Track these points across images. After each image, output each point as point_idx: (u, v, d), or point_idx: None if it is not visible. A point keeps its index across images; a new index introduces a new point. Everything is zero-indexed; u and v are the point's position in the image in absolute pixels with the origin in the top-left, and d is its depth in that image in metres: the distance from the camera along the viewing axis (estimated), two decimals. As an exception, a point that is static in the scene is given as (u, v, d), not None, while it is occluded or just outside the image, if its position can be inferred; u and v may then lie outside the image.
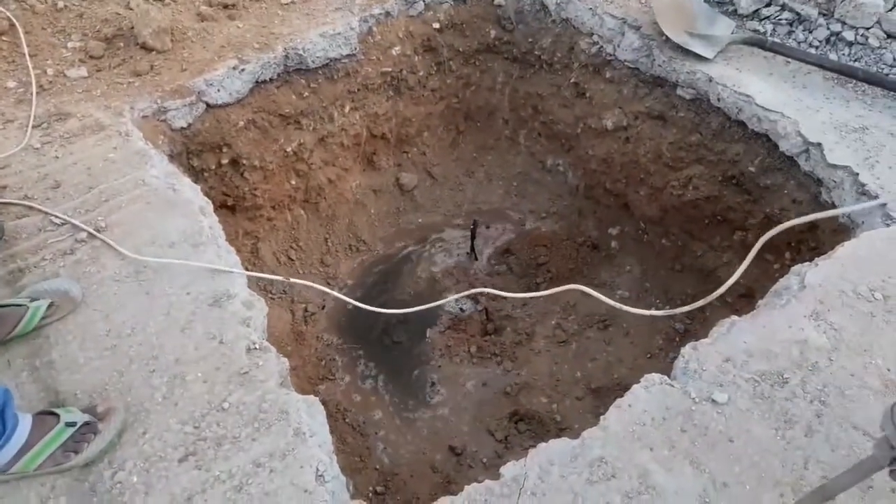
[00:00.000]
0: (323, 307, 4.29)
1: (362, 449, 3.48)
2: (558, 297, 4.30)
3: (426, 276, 4.56)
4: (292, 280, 2.59)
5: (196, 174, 3.59)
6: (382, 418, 3.68)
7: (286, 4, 4.15)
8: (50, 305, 2.24)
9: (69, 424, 1.87)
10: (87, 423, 1.89)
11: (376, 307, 4.26)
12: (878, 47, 3.68)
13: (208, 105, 3.52)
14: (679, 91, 3.82)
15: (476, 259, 4.68)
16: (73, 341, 2.22)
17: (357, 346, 4.10)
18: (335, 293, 2.57)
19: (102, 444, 1.88)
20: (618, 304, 2.46)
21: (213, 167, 3.70)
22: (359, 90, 4.27)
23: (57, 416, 1.89)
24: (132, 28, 3.69)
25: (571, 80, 4.51)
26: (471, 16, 4.59)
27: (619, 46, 4.07)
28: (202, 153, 3.61)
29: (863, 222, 2.91)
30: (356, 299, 4.31)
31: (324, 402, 2.17)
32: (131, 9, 3.84)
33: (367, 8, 4.12)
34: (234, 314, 2.32)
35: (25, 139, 3.01)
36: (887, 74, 3.56)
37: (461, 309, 4.33)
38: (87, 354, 2.18)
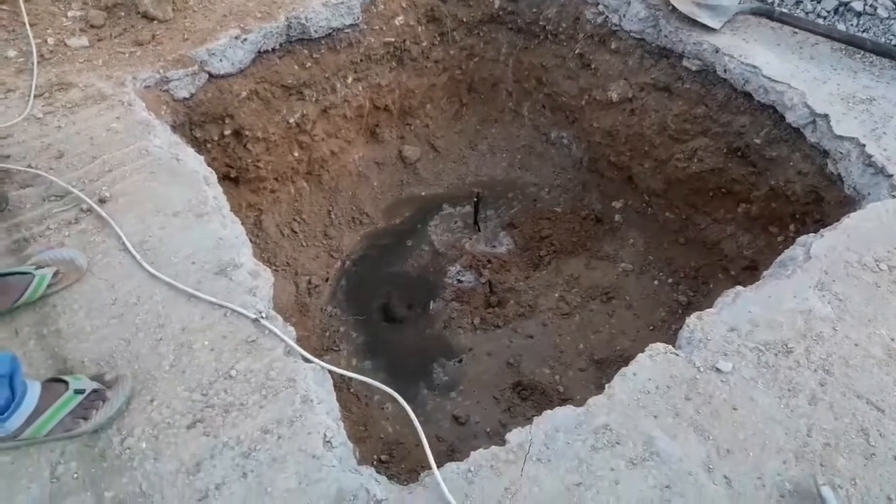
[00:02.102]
0: (327, 279, 4.29)
1: (367, 418, 3.51)
2: (561, 269, 4.31)
3: (429, 248, 4.56)
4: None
5: (199, 145, 3.57)
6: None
7: (288, -27, 4.10)
8: (56, 274, 2.24)
9: (78, 392, 1.88)
10: (95, 391, 1.90)
11: (379, 280, 4.30)
12: (887, 18, 3.64)
13: (211, 75, 3.49)
14: (685, 62, 3.78)
15: (479, 231, 4.67)
16: (79, 310, 2.22)
17: (361, 318, 4.11)
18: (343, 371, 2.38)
19: (111, 412, 1.89)
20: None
21: (216, 138, 3.68)
22: (361, 61, 4.23)
23: (66, 383, 1.90)
24: (133, -3, 3.65)
25: (576, 52, 4.47)
26: (475, -15, 4.54)
27: (624, 16, 4.02)
28: (205, 124, 3.58)
29: (869, 194, 2.90)
30: (358, 271, 4.34)
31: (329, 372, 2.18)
32: (132, -23, 3.80)
33: (370, -23, 4.08)
34: (240, 283, 2.32)
35: (27, 109, 2.99)
36: (896, 45, 3.53)
37: (456, 280, 4.34)
38: (94, 323, 2.18)
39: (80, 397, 1.88)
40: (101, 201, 2.59)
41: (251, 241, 3.60)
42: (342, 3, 3.88)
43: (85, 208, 2.55)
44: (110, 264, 2.37)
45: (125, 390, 1.95)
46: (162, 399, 1.98)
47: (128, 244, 2.42)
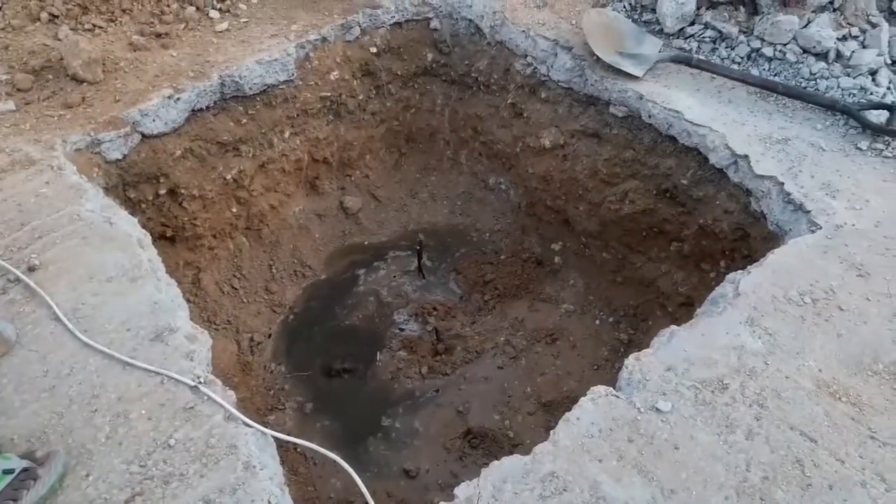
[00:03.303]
0: (269, 335, 4.23)
1: (314, 478, 3.43)
2: (506, 312, 4.36)
3: (374, 298, 4.55)
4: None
5: (133, 206, 3.51)
6: (335, 445, 3.64)
7: (220, 32, 4.13)
8: (-19, 348, 2.16)
9: (6, 472, 1.80)
10: (25, 470, 1.82)
11: (324, 334, 4.25)
12: (796, 62, 3.87)
13: (144, 135, 3.47)
14: (612, 109, 3.94)
15: (423, 278, 4.69)
16: (8, 384, 2.14)
17: (305, 374, 4.05)
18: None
19: (43, 490, 1.81)
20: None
21: (151, 198, 3.63)
22: (298, 115, 4.27)
23: (-7, 464, 1.82)
24: (61, 59, 3.61)
25: (508, 101, 4.60)
26: (407, 40, 4.65)
27: (552, 67, 4.17)
28: (139, 184, 3.54)
29: (790, 229, 3.04)
30: (301, 325, 4.29)
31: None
32: (60, 40, 3.76)
33: (303, 34, 4.13)
34: (176, 348, 2.28)
35: (-50, 176, 2.90)
36: (805, 88, 3.75)
37: (400, 329, 4.34)
38: (24, 397, 2.10)
39: (10, 478, 1.80)
40: (31, 269, 2.52)
41: (189, 300, 3.55)
42: (276, 60, 3.92)
43: (13, 278, 2.47)
44: (41, 335, 2.30)
45: (58, 467, 1.87)
46: (98, 473, 1.91)
47: (59, 313, 2.35)
